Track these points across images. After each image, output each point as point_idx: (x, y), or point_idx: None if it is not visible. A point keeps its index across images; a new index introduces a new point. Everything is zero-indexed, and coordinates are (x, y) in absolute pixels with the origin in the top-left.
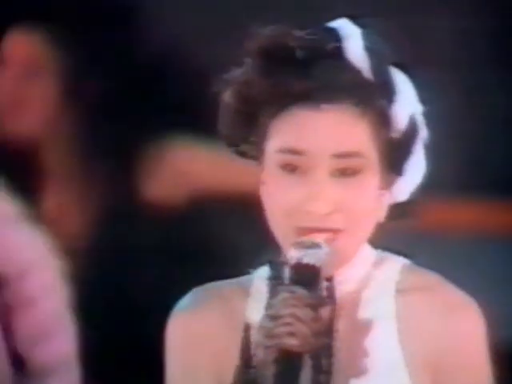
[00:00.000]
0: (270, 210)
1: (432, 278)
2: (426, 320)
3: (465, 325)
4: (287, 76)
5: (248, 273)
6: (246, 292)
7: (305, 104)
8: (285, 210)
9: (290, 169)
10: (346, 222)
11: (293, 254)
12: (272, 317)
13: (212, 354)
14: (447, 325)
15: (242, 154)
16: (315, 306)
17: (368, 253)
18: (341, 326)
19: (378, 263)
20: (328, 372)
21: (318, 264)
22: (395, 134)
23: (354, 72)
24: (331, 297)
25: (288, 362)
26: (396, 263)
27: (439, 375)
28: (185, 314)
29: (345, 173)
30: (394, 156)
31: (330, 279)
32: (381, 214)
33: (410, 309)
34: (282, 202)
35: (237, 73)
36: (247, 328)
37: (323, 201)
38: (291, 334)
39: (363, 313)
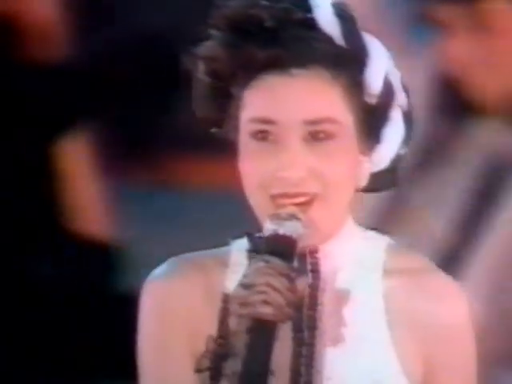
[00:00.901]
0: (246, 181)
1: (418, 261)
2: (414, 305)
3: (453, 310)
4: (255, 44)
5: (226, 244)
6: (224, 263)
7: (275, 71)
8: (259, 179)
9: (262, 137)
10: (321, 186)
11: (269, 226)
12: (246, 285)
13: (187, 325)
14: (436, 311)
15: (219, 135)
16: (290, 277)
17: (353, 229)
18: (326, 300)
19: (363, 240)
20: (311, 344)
21: (294, 235)
22: (370, 99)
23: (325, 39)
24: (315, 271)
25: (261, 332)
26: (381, 242)
27: (430, 364)
28: (160, 282)
29: (318, 138)
30: (371, 122)
31: (314, 253)
32: (360, 182)
33: (399, 292)
34: (256, 171)
35: (205, 47)
36: (226, 299)
37: (296, 166)
38: (265, 303)
39: (350, 289)
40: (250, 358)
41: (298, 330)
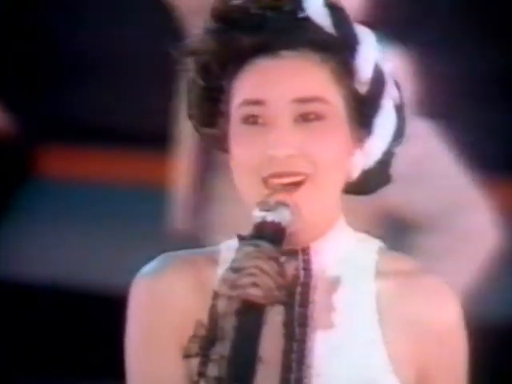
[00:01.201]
0: (237, 168)
1: (409, 263)
2: (406, 305)
3: (445, 311)
4: (242, 31)
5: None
6: (214, 261)
7: (265, 55)
8: (250, 162)
9: (253, 121)
10: (311, 166)
11: (257, 214)
12: (236, 269)
13: (176, 321)
14: (428, 311)
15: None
16: (279, 261)
17: (345, 229)
18: (317, 297)
19: (355, 241)
20: (302, 341)
21: (283, 223)
22: (360, 87)
23: (314, 26)
24: (307, 268)
25: (250, 314)
26: (373, 244)
27: (423, 364)
28: (150, 278)
29: (308, 118)
30: (362, 109)
31: (306, 250)
32: (352, 172)
33: (391, 292)
34: (247, 154)
35: (193, 41)
36: (216, 296)
37: (285, 144)
38: (255, 285)
39: (341, 287)
40: (238, 340)
41: (289, 326)
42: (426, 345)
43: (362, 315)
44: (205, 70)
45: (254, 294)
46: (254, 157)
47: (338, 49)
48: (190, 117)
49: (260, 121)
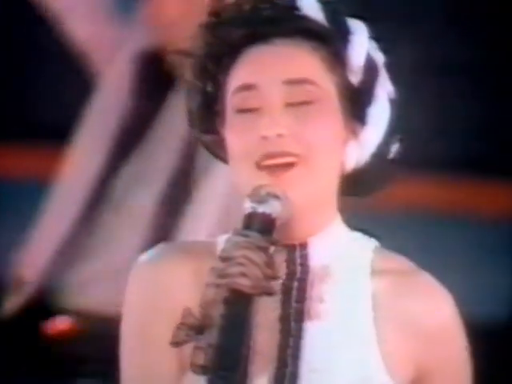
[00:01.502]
0: (232, 156)
1: (404, 263)
2: (402, 303)
3: (441, 309)
4: (236, 23)
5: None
6: (211, 252)
7: (256, 45)
8: (243, 147)
9: (246, 109)
10: (303, 147)
11: (248, 204)
12: (225, 258)
13: (171, 308)
14: (424, 309)
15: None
16: (268, 252)
17: (342, 227)
18: (314, 293)
19: (352, 239)
20: (298, 336)
21: (273, 214)
22: (353, 77)
23: (307, 17)
24: (304, 264)
25: (238, 303)
26: (369, 243)
27: (422, 363)
28: (148, 265)
29: (299, 102)
30: (355, 100)
31: (303, 246)
32: (347, 163)
33: (386, 290)
34: (241, 140)
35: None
36: (207, 285)
37: (276, 125)
38: (243, 275)
39: (338, 284)
40: (225, 329)
41: (285, 321)
42: (421, 343)
43: (357, 313)
44: (202, 69)
45: (242, 283)
46: (248, 142)
47: (329, 38)
48: (192, 126)
49: (253, 107)
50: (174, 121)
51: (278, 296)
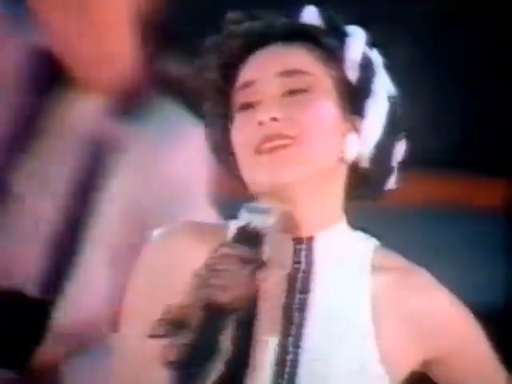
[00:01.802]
0: (237, 151)
1: (403, 261)
2: (402, 298)
3: (441, 302)
4: (237, 36)
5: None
6: (223, 235)
7: (257, 51)
8: (244, 140)
9: (247, 104)
10: (298, 130)
11: (244, 215)
12: (210, 268)
13: (179, 282)
14: (425, 304)
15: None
16: (252, 267)
17: (345, 226)
18: (317, 286)
19: (355, 238)
20: (300, 325)
21: (263, 230)
22: (350, 75)
23: (305, 25)
24: (309, 257)
25: (213, 313)
26: (370, 242)
27: (435, 354)
28: (161, 239)
29: (294, 92)
30: (353, 95)
31: (310, 240)
32: (347, 152)
33: (384, 287)
34: (242, 135)
35: (212, 40)
36: (194, 275)
37: (270, 109)
38: (223, 289)
39: (339, 279)
40: (200, 331)
41: (288, 309)
42: (423, 336)
43: (356, 308)
44: (215, 92)
45: (221, 298)
46: (247, 131)
47: (325, 39)
48: (212, 151)
49: (252, 100)
50: (73, 120)
51: (283, 285)
